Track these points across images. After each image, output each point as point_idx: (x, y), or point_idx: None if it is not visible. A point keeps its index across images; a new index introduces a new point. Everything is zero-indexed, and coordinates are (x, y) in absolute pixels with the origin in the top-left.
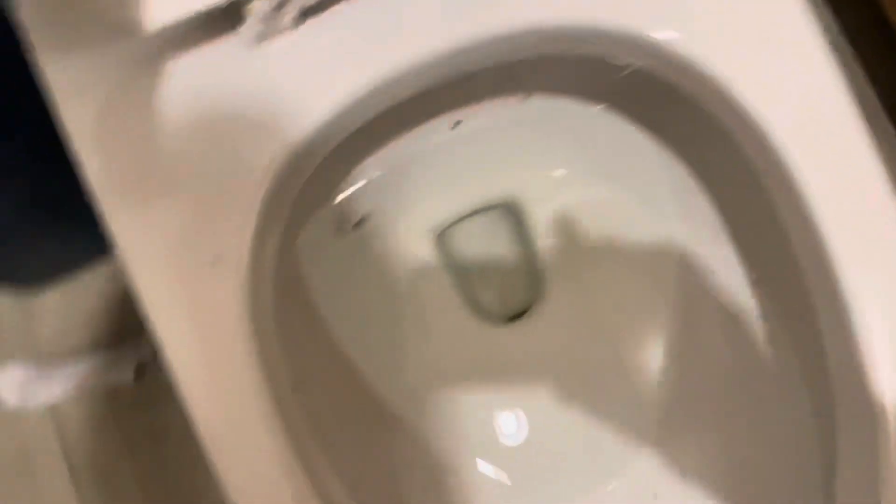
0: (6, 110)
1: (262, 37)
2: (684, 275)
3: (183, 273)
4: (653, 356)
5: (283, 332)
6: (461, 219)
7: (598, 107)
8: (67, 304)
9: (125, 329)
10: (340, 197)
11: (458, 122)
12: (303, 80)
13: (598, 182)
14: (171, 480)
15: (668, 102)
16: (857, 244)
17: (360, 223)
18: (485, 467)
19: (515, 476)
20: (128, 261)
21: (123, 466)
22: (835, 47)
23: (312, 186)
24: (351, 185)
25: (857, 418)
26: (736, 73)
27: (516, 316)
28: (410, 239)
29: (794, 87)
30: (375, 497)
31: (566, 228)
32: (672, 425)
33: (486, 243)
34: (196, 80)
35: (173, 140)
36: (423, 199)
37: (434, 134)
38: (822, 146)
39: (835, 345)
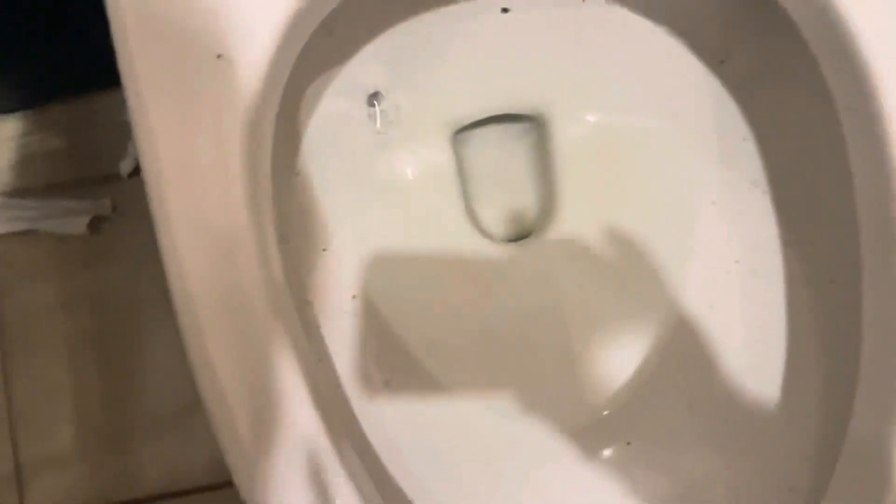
0: None
1: None
2: (709, 223)
3: (183, 57)
4: (656, 302)
5: (275, 176)
6: (483, 122)
7: (661, 28)
8: (31, 136)
9: (88, 177)
10: (359, 58)
11: (505, 9)
12: None
13: (639, 111)
14: (103, 349)
15: (742, 30)
16: None
17: (374, 96)
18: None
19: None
20: (120, 31)
21: (55, 322)
22: None
23: (333, 36)
24: (373, 47)
25: (880, 389)
26: None
27: (519, 237)
28: (425, 129)
29: None
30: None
31: (593, 155)
32: (663, 377)
33: (503, 155)
34: None
35: None
36: (448, 86)
37: (478, 15)
38: None
39: (877, 319)
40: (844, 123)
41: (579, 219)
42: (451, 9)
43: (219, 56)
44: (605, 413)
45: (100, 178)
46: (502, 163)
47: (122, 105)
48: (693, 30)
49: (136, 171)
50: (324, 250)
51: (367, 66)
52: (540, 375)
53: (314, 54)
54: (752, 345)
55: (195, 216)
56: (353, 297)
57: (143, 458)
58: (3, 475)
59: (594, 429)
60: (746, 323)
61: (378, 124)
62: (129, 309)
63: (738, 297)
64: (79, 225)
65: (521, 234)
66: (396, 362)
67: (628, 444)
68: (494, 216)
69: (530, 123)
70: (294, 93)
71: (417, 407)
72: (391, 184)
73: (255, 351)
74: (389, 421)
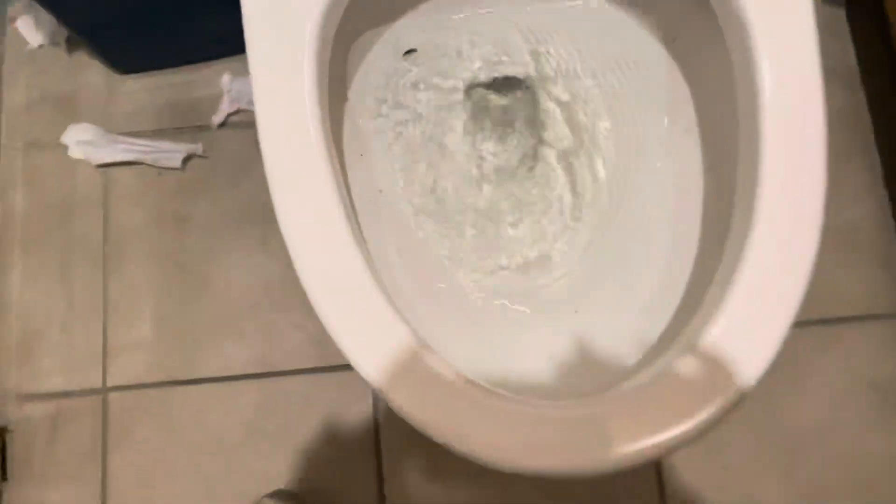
0: None
1: None
2: (656, 157)
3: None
4: (607, 210)
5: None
6: (489, 83)
7: (629, 14)
8: (146, 92)
9: (186, 126)
10: (400, 24)
11: None
12: None
13: (613, 79)
14: (182, 261)
15: (687, 14)
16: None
17: (409, 52)
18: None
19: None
20: None
21: (147, 235)
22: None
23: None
24: (411, 16)
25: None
26: None
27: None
28: (446, 85)
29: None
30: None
31: (574, 110)
32: (607, 263)
33: (503, 111)
34: None
35: None
36: (465, 50)
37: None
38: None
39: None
40: (735, 66)
41: (556, 157)
42: None
43: None
44: (561, 286)
45: (195, 128)
46: (503, 113)
47: (217, 74)
48: (654, 16)
49: (224, 123)
50: (361, 155)
51: (409, 28)
52: (511, 257)
53: (365, 16)
54: (675, 241)
55: (278, 102)
56: (380, 191)
57: (203, 350)
58: (93, 351)
59: (553, 300)
60: (673, 225)
61: (408, 72)
62: (207, 232)
63: (669, 211)
64: (175, 160)
65: (508, 163)
66: (406, 238)
67: (576, 312)
68: (492, 153)
69: (527, 84)
70: (348, 43)
71: (419, 268)
72: (417, 118)
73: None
74: (400, 277)
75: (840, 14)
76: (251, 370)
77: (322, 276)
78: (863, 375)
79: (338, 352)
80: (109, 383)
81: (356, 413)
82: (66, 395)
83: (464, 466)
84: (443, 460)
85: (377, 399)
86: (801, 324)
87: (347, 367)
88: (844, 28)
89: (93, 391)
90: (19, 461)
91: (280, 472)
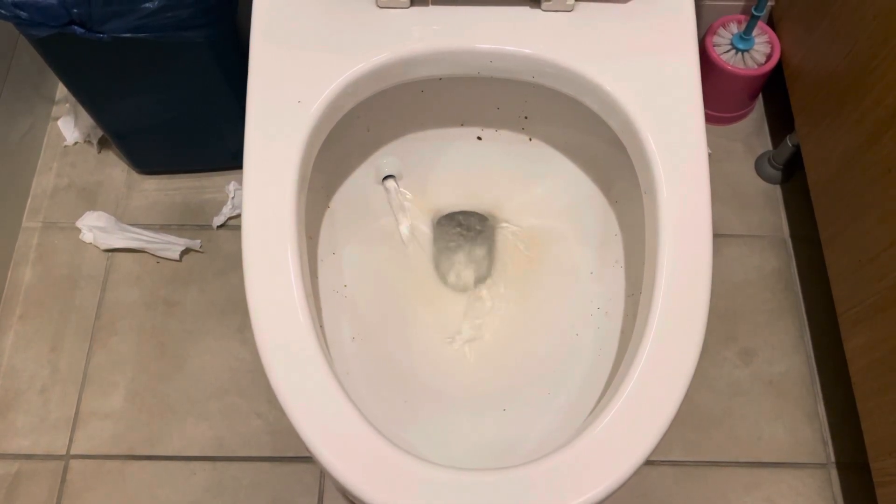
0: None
1: (384, 4)
2: (586, 285)
3: (279, 100)
4: (543, 330)
5: (311, 197)
6: (454, 213)
7: (575, 164)
8: (160, 191)
9: (189, 224)
10: (383, 152)
11: (479, 137)
12: (388, 40)
13: (556, 217)
14: (164, 342)
15: (620, 167)
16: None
17: (388, 178)
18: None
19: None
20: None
21: (136, 315)
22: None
23: (370, 131)
24: (394, 145)
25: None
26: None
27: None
28: (418, 207)
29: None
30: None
31: (520, 243)
32: (539, 369)
33: (464, 237)
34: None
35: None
36: (436, 184)
37: (462, 138)
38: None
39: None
40: (646, 208)
41: (504, 279)
42: (447, 130)
43: (299, 101)
44: (498, 386)
45: (197, 227)
46: (462, 240)
47: (225, 182)
48: (593, 165)
49: (223, 225)
50: (333, 254)
51: (388, 156)
52: (458, 361)
53: (355, 141)
54: (597, 358)
55: (262, 202)
56: (345, 286)
57: (168, 426)
58: (66, 417)
59: (488, 395)
60: (596, 345)
61: (389, 196)
62: (191, 317)
63: (593, 329)
64: (174, 252)
65: (469, 285)
66: (362, 328)
67: (504, 410)
68: (451, 274)
69: (485, 218)
70: (338, 161)
71: (369, 356)
72: (388, 233)
73: (284, 296)
74: (351, 360)
75: (776, 191)
76: (208, 452)
77: (280, 360)
78: None
79: (291, 443)
80: (74, 451)
81: None
82: (30, 457)
83: None
84: None
85: (323, 494)
86: (729, 464)
87: (298, 459)
88: (780, 203)
89: (56, 457)
90: None
91: None
